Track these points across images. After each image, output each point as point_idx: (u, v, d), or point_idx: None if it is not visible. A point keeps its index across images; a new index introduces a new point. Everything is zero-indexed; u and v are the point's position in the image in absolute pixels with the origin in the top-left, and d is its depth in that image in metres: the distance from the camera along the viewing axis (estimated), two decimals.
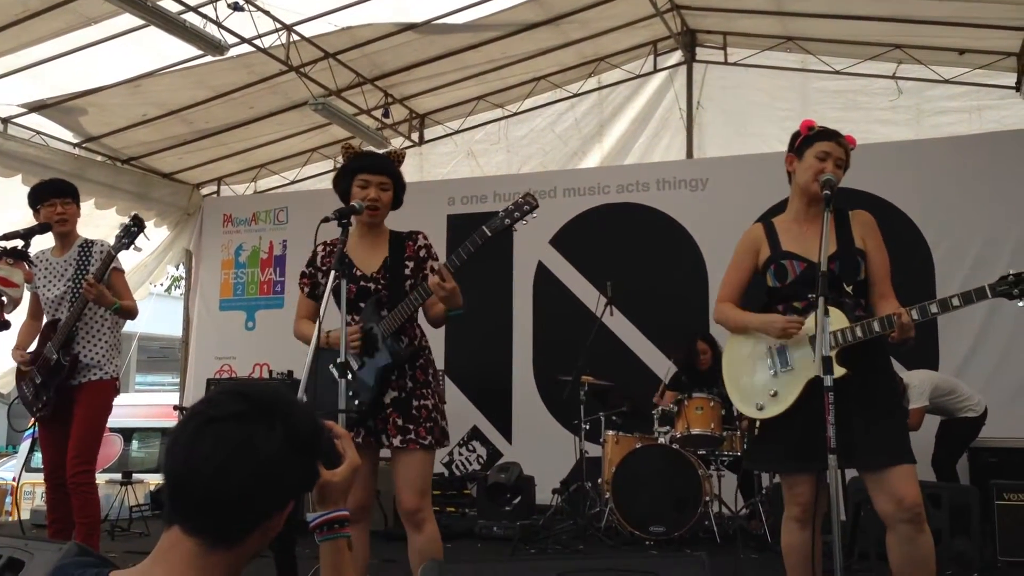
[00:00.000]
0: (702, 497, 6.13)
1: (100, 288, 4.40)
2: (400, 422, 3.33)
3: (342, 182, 3.52)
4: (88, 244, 4.70)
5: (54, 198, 4.66)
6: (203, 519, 1.46)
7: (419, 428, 3.33)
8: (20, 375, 4.72)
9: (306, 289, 3.57)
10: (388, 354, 3.35)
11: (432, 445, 3.35)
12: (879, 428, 3.10)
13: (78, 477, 4.48)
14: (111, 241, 4.59)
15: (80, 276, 4.56)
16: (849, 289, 3.23)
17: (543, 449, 8.07)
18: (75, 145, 8.66)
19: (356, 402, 3.25)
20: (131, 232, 4.43)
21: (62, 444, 4.59)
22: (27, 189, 7.80)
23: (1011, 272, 2.98)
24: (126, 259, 4.82)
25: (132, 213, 4.67)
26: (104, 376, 4.62)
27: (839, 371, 3.00)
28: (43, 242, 4.77)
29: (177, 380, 11.24)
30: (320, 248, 3.56)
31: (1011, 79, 7.88)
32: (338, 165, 9.90)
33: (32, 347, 4.74)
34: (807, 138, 3.33)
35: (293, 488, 1.52)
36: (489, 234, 3.24)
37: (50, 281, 4.68)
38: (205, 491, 1.44)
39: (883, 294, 3.25)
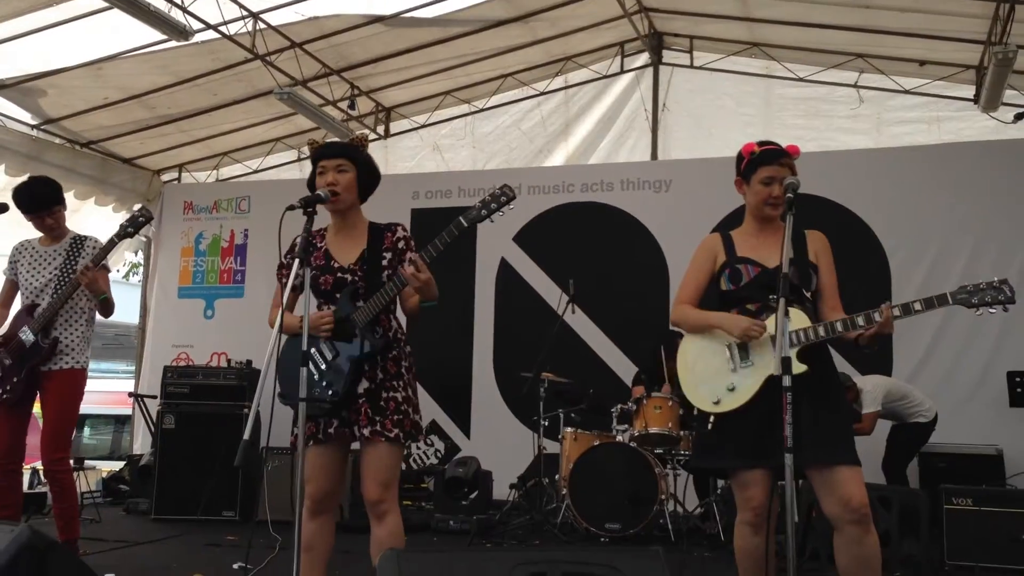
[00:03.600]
0: (658, 495, 6.18)
1: (95, 274, 4.44)
2: (370, 413, 3.30)
3: (310, 178, 3.53)
4: (80, 239, 4.75)
5: (41, 211, 4.67)
6: None
7: (385, 420, 3.29)
8: None
9: (284, 280, 3.55)
10: (361, 344, 3.33)
11: (398, 438, 3.30)
12: (826, 424, 3.15)
13: (55, 465, 4.52)
14: (97, 235, 4.74)
15: (69, 267, 4.61)
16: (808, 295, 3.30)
17: (501, 444, 8.08)
18: (33, 127, 8.51)
19: (330, 392, 3.23)
20: (138, 222, 4.51)
21: (18, 430, 4.60)
22: None
23: (970, 283, 3.09)
24: None
25: (140, 205, 4.70)
26: (76, 365, 4.64)
27: (800, 368, 3.05)
28: (27, 232, 4.83)
29: (131, 367, 11.11)
30: (299, 238, 3.54)
31: (970, 91, 8.03)
32: (302, 156, 9.93)
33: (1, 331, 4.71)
34: (750, 162, 3.38)
35: None
36: (466, 225, 3.23)
37: (35, 269, 4.68)
38: None
39: (834, 307, 3.32)
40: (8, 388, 4.52)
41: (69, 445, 4.66)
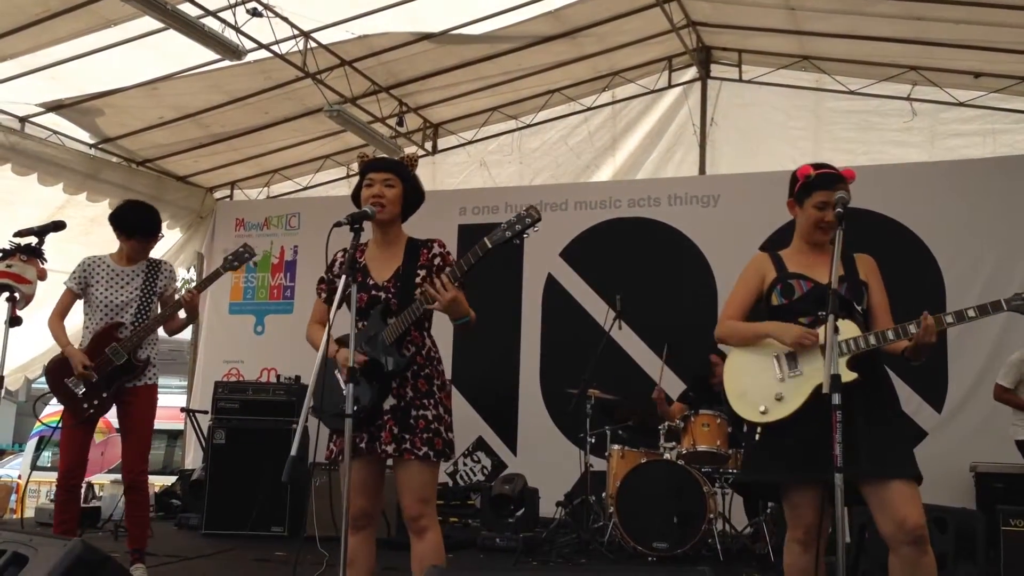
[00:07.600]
0: (706, 514, 6.10)
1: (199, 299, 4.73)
2: (396, 431, 3.29)
3: (356, 189, 3.56)
4: (156, 262, 4.92)
5: (152, 238, 4.90)
6: None
7: (415, 438, 3.28)
8: (61, 373, 4.69)
9: (323, 295, 3.57)
10: (387, 362, 3.33)
11: (428, 456, 3.29)
12: (879, 437, 3.10)
13: (140, 476, 4.73)
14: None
15: (148, 288, 4.79)
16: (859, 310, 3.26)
17: (548, 461, 8.05)
18: (91, 146, 8.71)
19: (355, 408, 3.23)
20: (243, 257, 4.76)
21: (85, 447, 4.72)
22: (42, 188, 8.01)
23: None
24: None
25: (244, 242, 4.99)
26: (154, 381, 4.84)
27: (850, 375, 3.03)
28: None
29: (184, 382, 11.27)
30: (339, 254, 3.56)
31: None
32: (351, 172, 10.03)
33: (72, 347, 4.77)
34: (804, 185, 3.33)
35: None
36: (490, 246, 3.21)
37: (114, 287, 4.78)
38: None
39: (885, 325, 3.28)
40: (96, 404, 4.63)
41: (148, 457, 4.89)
